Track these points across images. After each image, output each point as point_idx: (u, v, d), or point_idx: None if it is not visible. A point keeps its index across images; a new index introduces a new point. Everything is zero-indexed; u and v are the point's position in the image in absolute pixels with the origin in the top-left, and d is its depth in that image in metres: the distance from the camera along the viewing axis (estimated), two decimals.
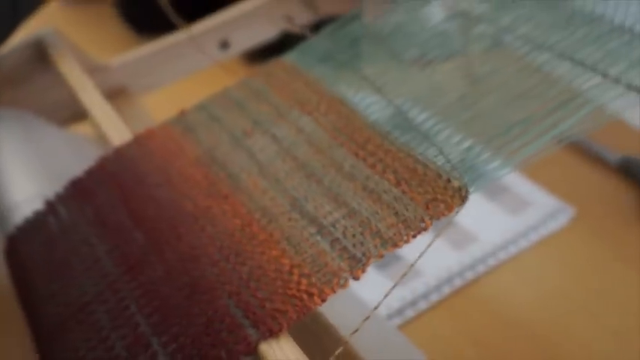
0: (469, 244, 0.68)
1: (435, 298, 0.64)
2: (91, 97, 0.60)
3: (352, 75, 0.54)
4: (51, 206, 0.53)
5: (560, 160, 0.73)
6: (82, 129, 0.76)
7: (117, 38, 1.10)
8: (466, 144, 0.46)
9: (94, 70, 0.70)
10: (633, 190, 0.71)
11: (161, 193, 0.49)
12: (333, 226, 0.43)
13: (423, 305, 0.64)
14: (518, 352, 0.59)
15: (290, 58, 0.58)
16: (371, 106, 0.51)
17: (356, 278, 0.41)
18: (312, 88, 0.54)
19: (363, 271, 0.41)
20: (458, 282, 0.65)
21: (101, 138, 0.67)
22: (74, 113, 0.74)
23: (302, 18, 0.81)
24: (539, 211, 0.70)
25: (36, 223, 0.53)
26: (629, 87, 0.48)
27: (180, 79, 0.79)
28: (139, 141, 0.54)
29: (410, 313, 0.63)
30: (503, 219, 0.70)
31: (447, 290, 0.65)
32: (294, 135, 0.51)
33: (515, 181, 0.73)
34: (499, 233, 0.69)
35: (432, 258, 0.66)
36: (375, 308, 0.42)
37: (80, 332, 0.44)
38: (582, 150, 0.75)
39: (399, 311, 0.63)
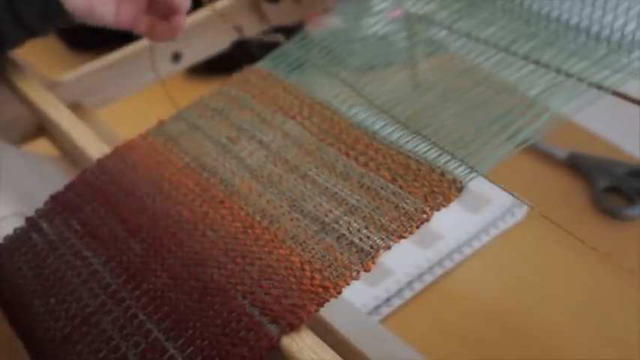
0: (435, 242, 0.70)
1: (407, 294, 0.66)
2: (59, 112, 0.60)
3: (330, 79, 0.56)
4: (32, 222, 0.52)
5: (513, 159, 0.77)
6: (34, 147, 0.75)
7: (50, 54, 1.08)
8: (452, 139, 0.49)
9: (48, 87, 0.69)
10: (582, 183, 0.75)
11: (153, 202, 0.49)
12: (337, 222, 0.44)
13: (397, 302, 0.66)
14: (492, 338, 0.62)
15: (264, 65, 0.59)
16: (353, 107, 0.53)
17: (367, 270, 0.42)
18: (292, 93, 0.55)
19: (373, 262, 0.42)
20: (428, 278, 0.67)
21: (65, 154, 0.67)
22: (28, 132, 0.73)
23: (252, 29, 0.82)
24: (498, 208, 0.73)
25: (18, 240, 0.51)
26: (591, 84, 0.52)
27: (134, 92, 0.79)
28: (119, 153, 0.54)
29: (385, 310, 0.65)
30: (464, 217, 0.73)
31: (418, 286, 0.67)
32: (280, 139, 0.52)
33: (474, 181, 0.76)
34: (462, 230, 0.71)
35: (401, 257, 0.69)
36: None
37: (87, 344, 0.44)
38: (533, 149, 0.78)
39: (376, 309, 0.65)
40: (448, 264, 0.69)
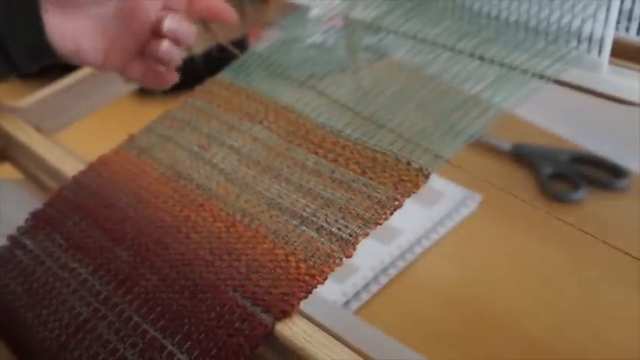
0: (395, 238, 0.74)
1: (374, 288, 0.69)
2: (28, 135, 0.61)
3: (290, 84, 0.59)
4: (15, 240, 0.53)
5: (460, 154, 0.81)
6: None
7: None
8: (413, 132, 0.52)
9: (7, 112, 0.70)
10: (526, 171, 0.80)
11: (135, 211, 0.51)
12: (314, 215, 0.47)
13: (365, 296, 0.69)
14: (458, 321, 0.66)
15: (226, 76, 0.61)
16: (317, 108, 0.56)
17: (348, 256, 0.45)
18: (256, 100, 0.58)
19: (354, 249, 0.45)
20: (392, 271, 0.71)
21: (29, 177, 0.68)
22: None
23: (201, 44, 0.85)
24: (451, 201, 0.77)
25: (2, 258, 0.52)
26: (534, 74, 0.56)
27: (91, 113, 0.80)
28: (94, 168, 0.56)
29: (355, 304, 0.68)
30: (421, 212, 0.76)
31: (384, 280, 0.70)
32: (250, 143, 0.54)
33: None
34: (420, 224, 0.75)
35: (365, 254, 0.72)
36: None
37: (85, 349, 0.45)
38: (478, 143, 0.83)
39: (346, 304, 0.68)
40: (410, 257, 0.72)
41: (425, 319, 0.66)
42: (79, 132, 0.82)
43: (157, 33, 0.59)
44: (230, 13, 0.62)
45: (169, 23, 0.57)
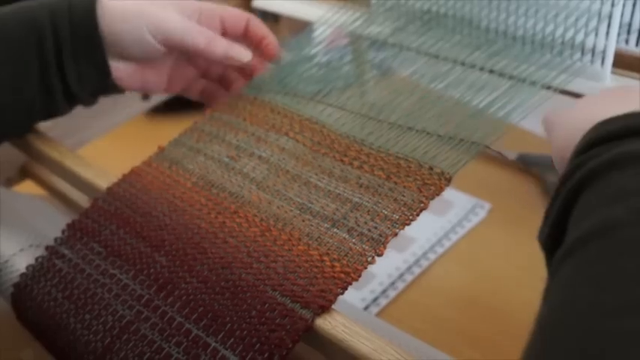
0: (409, 246, 0.76)
1: (392, 293, 0.72)
2: (59, 151, 0.63)
3: (312, 98, 0.62)
4: (53, 250, 0.55)
5: (468, 165, 0.84)
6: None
7: None
8: (432, 140, 0.55)
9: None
10: (533, 180, 0.83)
11: (171, 219, 0.54)
12: (345, 218, 0.50)
13: (383, 301, 0.71)
14: (474, 321, 0.68)
15: (249, 92, 0.64)
16: (339, 120, 0.59)
17: (379, 255, 0.48)
18: (280, 113, 0.61)
19: (385, 247, 0.48)
20: (408, 277, 0.73)
21: (52, 193, 0.70)
22: (12, 176, 0.76)
23: None
24: (461, 209, 0.80)
25: (41, 268, 0.55)
26: (542, 86, 0.59)
27: (109, 131, 0.83)
28: (127, 180, 0.58)
29: (374, 309, 0.70)
30: (433, 220, 0.79)
31: (401, 285, 0.72)
32: (278, 153, 0.57)
33: None
34: (432, 232, 0.78)
35: (382, 262, 0.74)
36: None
37: (130, 350, 0.47)
38: (484, 153, 0.86)
39: (365, 309, 0.70)
40: (424, 263, 0.75)
41: (441, 320, 0.69)
42: (94, 150, 0.85)
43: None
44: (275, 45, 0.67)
45: (230, 53, 0.63)
